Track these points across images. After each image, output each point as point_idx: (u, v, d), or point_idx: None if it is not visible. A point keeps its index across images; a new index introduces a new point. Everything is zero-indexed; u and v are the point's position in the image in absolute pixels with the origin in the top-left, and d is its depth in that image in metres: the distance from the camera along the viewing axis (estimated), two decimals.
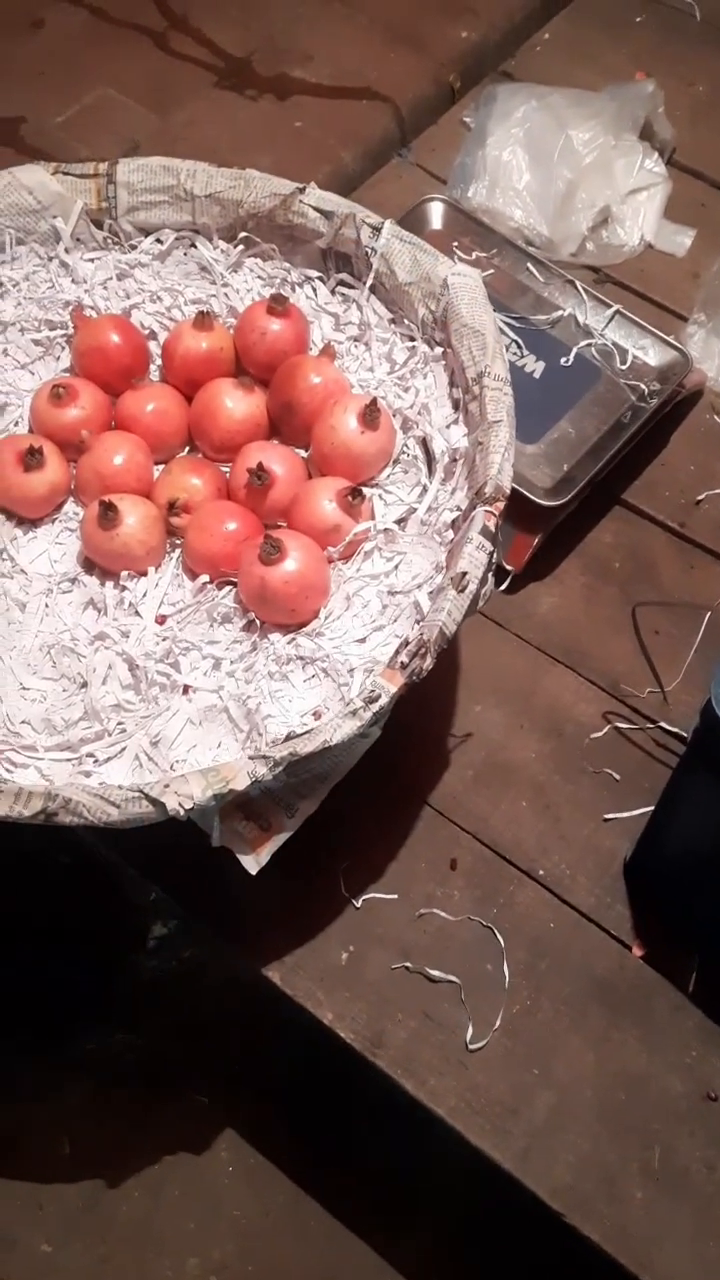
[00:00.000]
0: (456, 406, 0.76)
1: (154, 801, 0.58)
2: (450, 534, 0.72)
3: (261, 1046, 0.93)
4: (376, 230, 0.78)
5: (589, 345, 0.95)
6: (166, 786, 0.59)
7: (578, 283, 0.98)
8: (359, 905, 0.79)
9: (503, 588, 0.91)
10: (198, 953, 0.96)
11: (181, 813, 0.59)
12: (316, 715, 0.69)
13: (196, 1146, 0.94)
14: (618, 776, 0.85)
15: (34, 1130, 0.93)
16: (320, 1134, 0.94)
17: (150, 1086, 0.96)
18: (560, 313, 0.96)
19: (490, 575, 0.68)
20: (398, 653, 0.63)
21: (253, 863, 0.65)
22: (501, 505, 0.68)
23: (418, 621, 0.69)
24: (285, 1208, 0.92)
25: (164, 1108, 0.95)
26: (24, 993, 0.95)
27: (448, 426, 0.75)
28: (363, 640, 0.71)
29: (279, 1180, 0.93)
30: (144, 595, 0.75)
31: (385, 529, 0.73)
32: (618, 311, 0.96)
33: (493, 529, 0.67)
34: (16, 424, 0.81)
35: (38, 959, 0.95)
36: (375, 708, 0.62)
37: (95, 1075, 0.95)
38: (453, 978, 0.77)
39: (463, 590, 0.65)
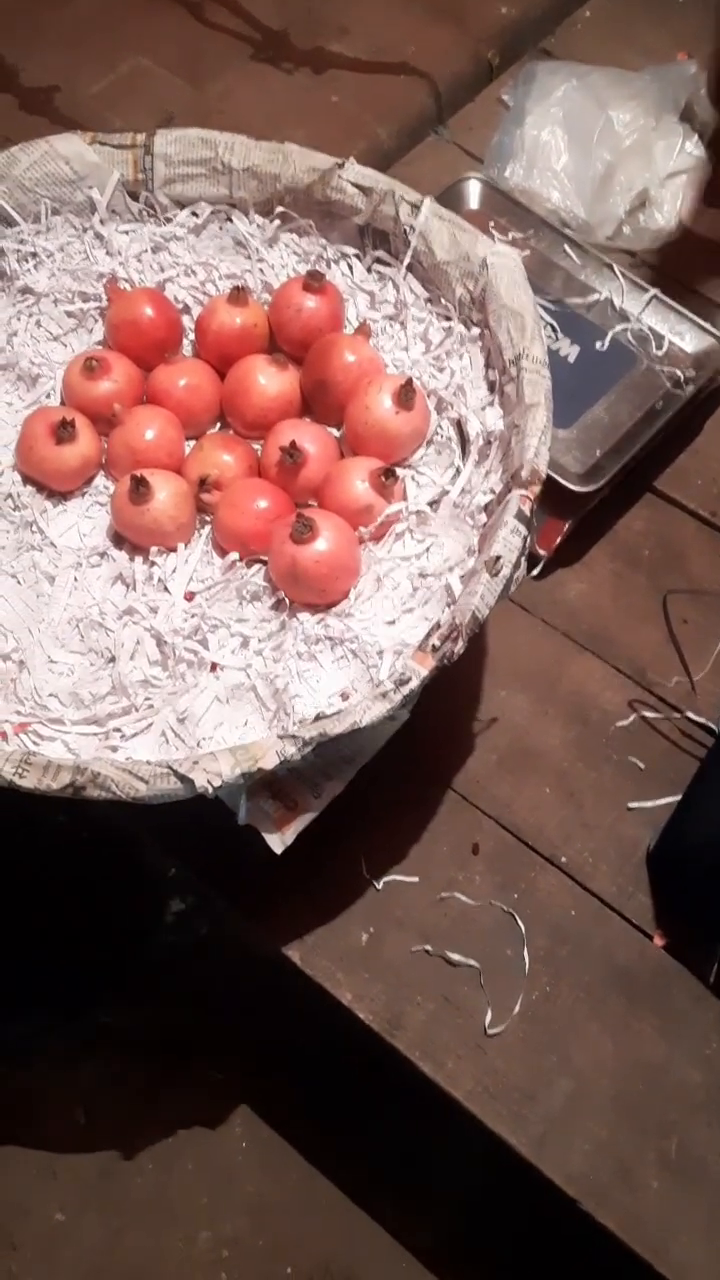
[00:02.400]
0: (492, 388, 0.75)
1: (182, 778, 0.58)
2: (483, 517, 0.72)
3: (278, 1023, 0.94)
4: (415, 208, 0.77)
5: (625, 330, 0.94)
6: (195, 763, 0.59)
7: (615, 266, 0.97)
8: (380, 887, 0.79)
9: (534, 573, 0.90)
10: (216, 928, 0.96)
11: (210, 790, 0.59)
12: (344, 696, 0.69)
13: (211, 1121, 0.95)
14: (642, 765, 0.85)
15: (50, 1100, 0.94)
16: (335, 1112, 0.95)
17: (166, 1060, 0.96)
18: (596, 296, 0.95)
19: (523, 560, 0.68)
20: (429, 635, 0.63)
21: (278, 841, 0.65)
22: (537, 489, 0.67)
23: (448, 605, 0.69)
24: (298, 1184, 0.92)
25: (179, 1081, 0.96)
26: (42, 964, 0.95)
27: (483, 408, 0.74)
28: (392, 622, 0.71)
29: (292, 1157, 0.93)
30: (173, 571, 0.75)
31: (417, 510, 0.73)
32: (655, 296, 0.95)
33: (528, 513, 0.66)
34: (49, 396, 0.81)
35: (56, 931, 0.95)
36: (406, 690, 0.61)
37: (112, 1047, 0.96)
38: (472, 962, 0.77)
39: (496, 574, 0.64)
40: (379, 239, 0.80)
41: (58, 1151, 0.93)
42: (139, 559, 0.75)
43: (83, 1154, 0.93)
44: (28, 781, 0.59)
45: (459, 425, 0.76)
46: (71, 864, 0.89)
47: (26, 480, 0.78)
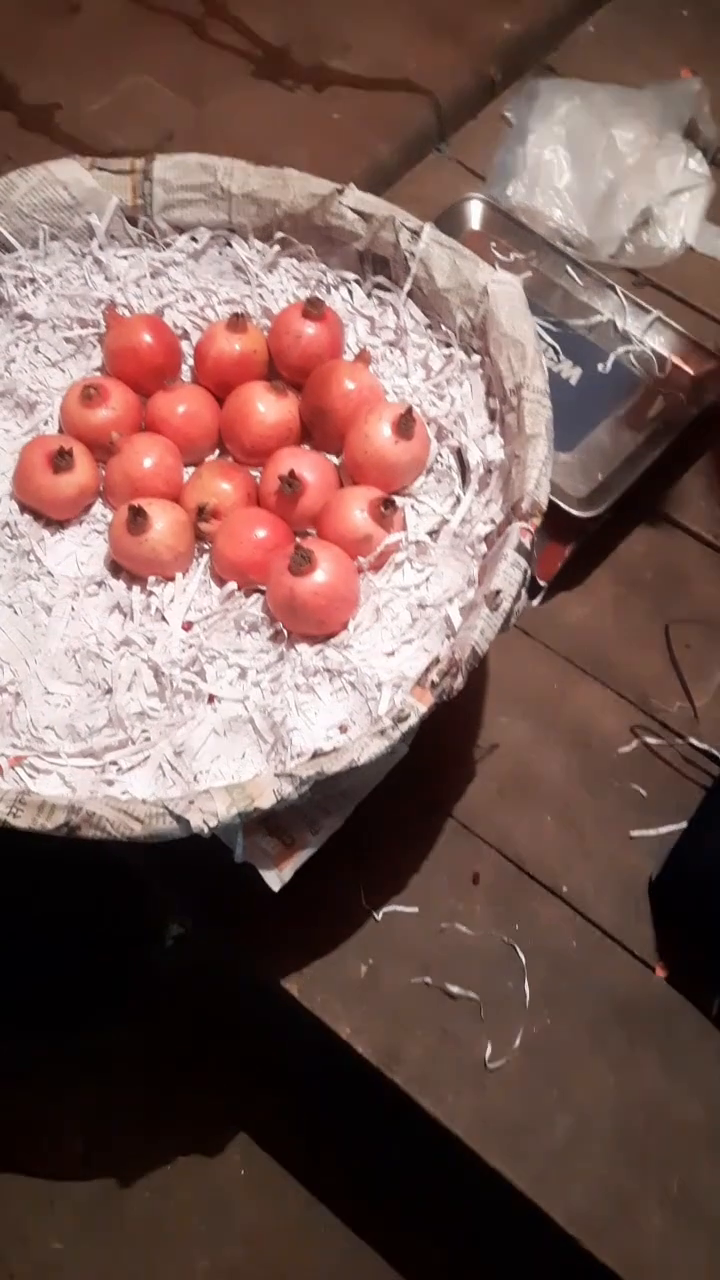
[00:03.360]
0: (493, 417, 0.74)
1: (178, 818, 0.58)
2: (483, 547, 0.71)
3: (278, 1050, 0.93)
4: (416, 234, 0.76)
5: (627, 352, 0.94)
6: (191, 803, 0.58)
7: (617, 287, 0.96)
8: (379, 918, 0.78)
9: (535, 602, 0.89)
10: (216, 953, 0.95)
11: (206, 830, 0.58)
12: (343, 729, 0.68)
13: (209, 1149, 0.94)
14: (645, 792, 0.84)
15: (47, 1126, 0.94)
16: (334, 1140, 0.94)
17: (165, 1086, 0.95)
18: (599, 318, 0.95)
19: (524, 592, 0.67)
20: (428, 670, 0.62)
21: (275, 879, 0.64)
22: (538, 522, 0.66)
23: (448, 636, 0.68)
24: (297, 1213, 0.92)
25: (177, 1108, 0.95)
26: (41, 987, 0.95)
27: (483, 437, 0.74)
28: (391, 654, 0.70)
29: (291, 1185, 0.93)
30: (171, 601, 0.74)
31: (417, 540, 0.72)
32: (658, 318, 0.95)
33: (528, 546, 0.66)
34: (46, 423, 0.80)
35: (55, 953, 0.94)
36: (404, 727, 0.61)
37: (110, 1073, 0.95)
38: (472, 994, 0.76)
39: (496, 608, 0.64)
40: (379, 264, 0.80)
41: (55, 1179, 0.92)
42: (137, 588, 0.75)
43: (80, 1182, 0.92)
44: (22, 821, 0.58)
45: (459, 454, 0.75)
46: (71, 888, 0.89)
47: (24, 508, 0.77)
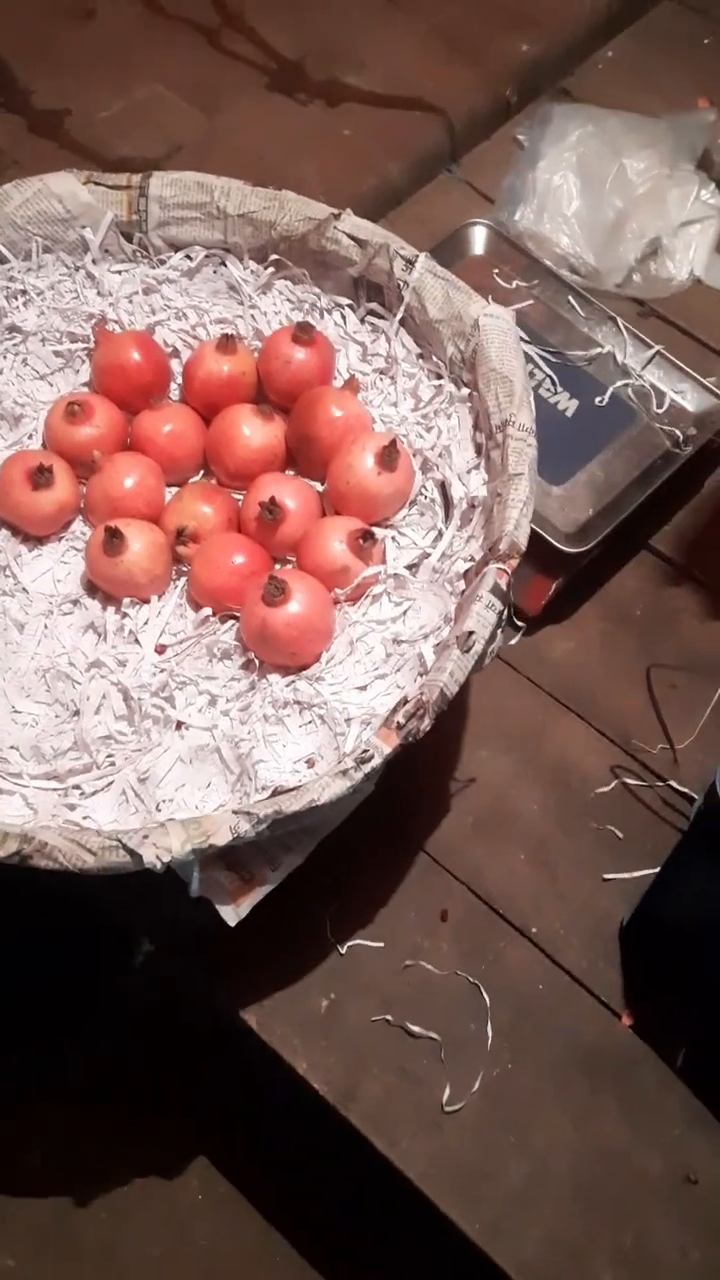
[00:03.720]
0: (479, 451, 0.73)
1: (131, 852, 0.57)
2: (461, 584, 0.70)
3: (240, 1076, 0.92)
4: (410, 263, 0.76)
5: (626, 385, 0.92)
6: (145, 837, 0.57)
7: (619, 320, 0.95)
8: (344, 951, 0.77)
9: (514, 641, 0.88)
10: (182, 976, 0.94)
11: (159, 865, 0.57)
12: (310, 763, 0.67)
13: (168, 1172, 0.93)
14: (621, 835, 0.83)
15: (5, 1142, 0.93)
16: (294, 1169, 0.93)
17: (126, 1107, 0.95)
18: (599, 350, 0.94)
19: (499, 633, 0.66)
20: (394, 711, 0.61)
21: (232, 914, 0.63)
22: (515, 563, 0.65)
23: (420, 674, 0.67)
24: (253, 1241, 0.91)
25: (139, 1129, 0.94)
26: (6, 1000, 0.94)
27: (468, 472, 0.73)
28: (363, 688, 0.69)
29: (248, 1212, 0.92)
30: (145, 623, 0.73)
31: (395, 574, 0.71)
32: (658, 353, 0.93)
33: (504, 587, 0.65)
34: (31, 436, 0.80)
35: (20, 969, 0.94)
36: (367, 769, 0.60)
37: (72, 1089, 0.94)
38: (433, 1034, 0.75)
39: (468, 650, 0.63)
40: (373, 291, 0.79)
41: (11, 1195, 0.91)
42: (111, 609, 0.74)
43: (36, 1199, 0.91)
44: None
45: (443, 487, 0.74)
46: (34, 907, 0.88)
47: (2, 523, 0.77)
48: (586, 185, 1.07)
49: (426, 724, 0.61)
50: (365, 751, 0.60)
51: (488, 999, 0.76)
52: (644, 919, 0.77)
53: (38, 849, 0.57)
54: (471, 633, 0.63)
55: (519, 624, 0.89)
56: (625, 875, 0.81)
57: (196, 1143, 0.94)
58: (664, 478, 0.90)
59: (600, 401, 0.92)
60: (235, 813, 0.58)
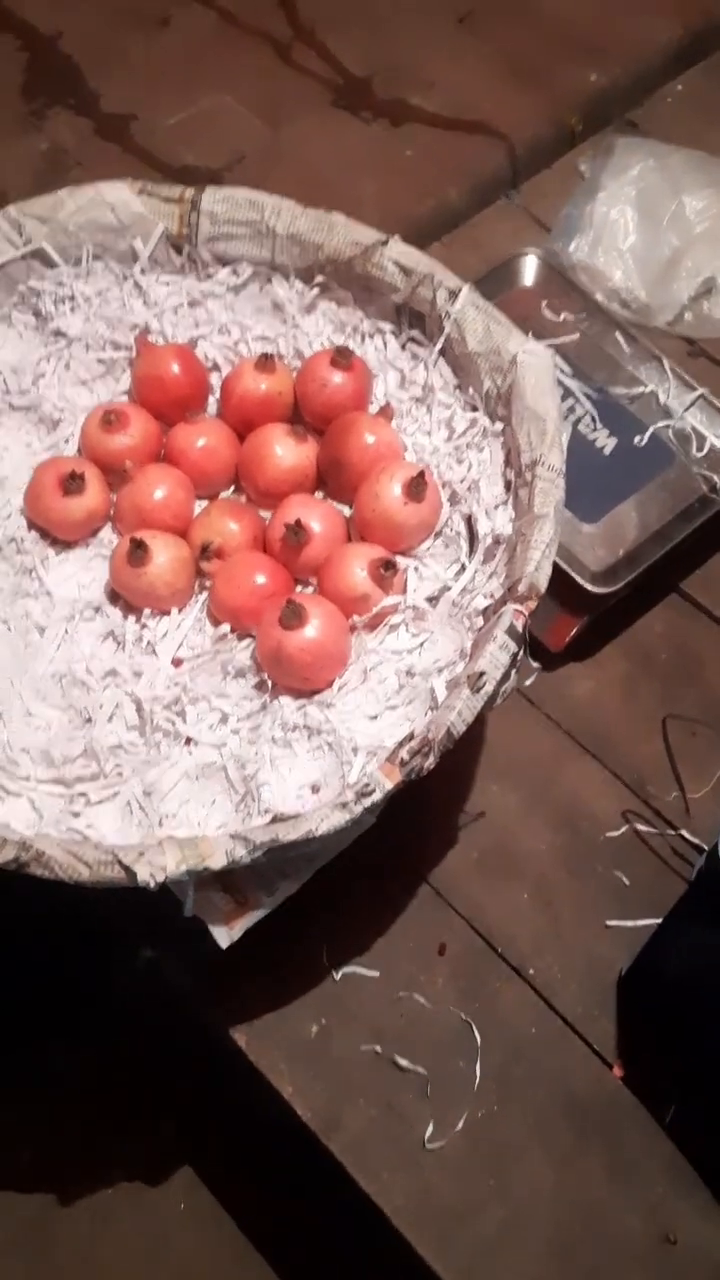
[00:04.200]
0: (508, 488, 0.73)
1: (126, 869, 0.57)
2: (480, 620, 0.70)
3: (228, 1092, 0.92)
4: (453, 294, 0.75)
5: (666, 427, 0.91)
6: (141, 855, 0.57)
7: (665, 360, 0.94)
8: (338, 978, 0.77)
9: (532, 679, 0.88)
10: (176, 988, 0.95)
11: (153, 884, 0.57)
12: (315, 790, 0.67)
13: (152, 1179, 0.93)
14: (627, 881, 0.82)
15: None
16: (276, 1187, 0.93)
17: (117, 1110, 0.95)
18: (642, 389, 0.93)
19: (514, 673, 0.66)
20: (399, 747, 0.61)
21: (224, 935, 0.64)
22: (534, 605, 0.65)
23: (431, 708, 0.67)
24: (231, 1256, 0.91)
25: (127, 1133, 0.95)
26: (3, 998, 0.95)
27: (496, 507, 0.72)
28: (374, 718, 0.69)
29: (228, 1226, 0.92)
30: (164, 635, 0.74)
31: (415, 605, 0.71)
32: (702, 396, 0.92)
33: (520, 629, 0.64)
34: (67, 441, 0.81)
35: (14, 971, 0.94)
36: (367, 802, 0.59)
37: (65, 1093, 0.95)
38: (421, 1069, 0.74)
39: (478, 690, 0.62)
40: (415, 319, 0.79)
41: None
42: (132, 618, 0.74)
43: (22, 1195, 0.92)
44: None
45: (470, 521, 0.74)
46: (29, 910, 0.88)
47: (32, 526, 0.77)
48: (644, 220, 1.06)
49: (431, 762, 0.61)
50: (367, 785, 0.60)
51: (479, 1038, 0.76)
52: (643, 970, 0.76)
53: (35, 857, 0.57)
54: (483, 673, 0.62)
55: (534, 663, 0.88)
56: (628, 923, 0.80)
57: (182, 1153, 0.94)
58: (699, 522, 0.89)
59: (639, 441, 0.91)
60: (232, 837, 0.58)
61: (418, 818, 0.81)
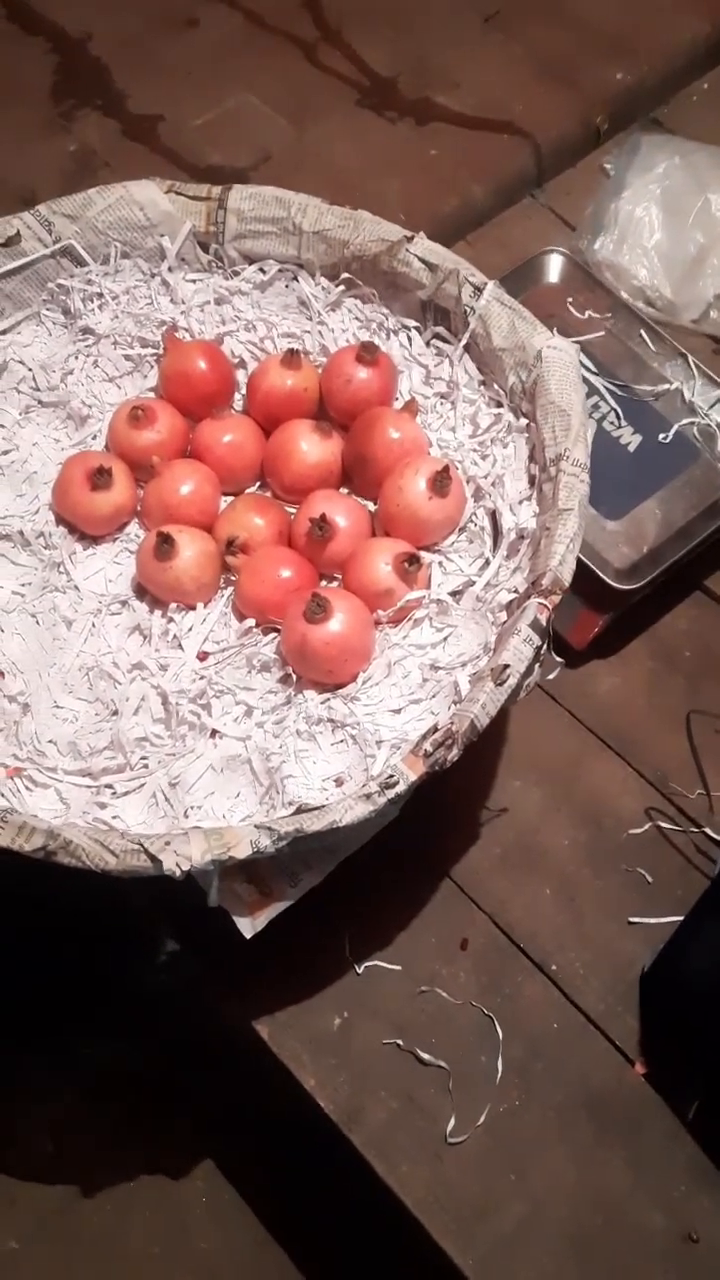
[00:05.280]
0: (532, 483, 0.73)
1: (152, 858, 0.58)
2: (504, 615, 0.70)
3: (251, 1083, 0.92)
4: (478, 290, 0.76)
5: (691, 424, 0.91)
6: (167, 844, 0.58)
7: (690, 357, 0.94)
8: (360, 971, 0.77)
9: (556, 674, 0.87)
10: (199, 980, 0.95)
11: (178, 873, 0.58)
12: (339, 782, 0.67)
13: (174, 1171, 0.94)
14: (650, 879, 0.81)
15: (19, 1126, 0.94)
16: (297, 1180, 0.93)
17: (139, 1102, 0.96)
18: (666, 386, 0.92)
19: (536, 667, 0.66)
20: (423, 739, 0.61)
21: (248, 925, 0.64)
22: (557, 599, 0.65)
23: (455, 702, 0.67)
24: (251, 1249, 0.91)
25: (150, 1126, 0.95)
26: (31, 990, 0.96)
27: (520, 502, 0.73)
28: (397, 711, 0.69)
29: (249, 1220, 0.92)
30: (189, 629, 0.74)
31: (438, 600, 0.71)
32: None
33: (544, 623, 0.64)
34: (95, 437, 0.81)
35: (40, 962, 0.95)
36: (391, 794, 0.60)
37: (91, 1082, 0.95)
38: (443, 1063, 0.75)
39: (501, 684, 0.62)
40: (440, 315, 0.79)
41: (21, 1179, 0.93)
42: (158, 612, 0.75)
43: (45, 1185, 0.93)
44: (1, 839, 0.59)
45: (494, 516, 0.74)
46: (54, 903, 0.89)
47: (60, 520, 0.78)
48: (669, 218, 1.06)
49: (454, 754, 0.61)
50: (390, 777, 0.60)
51: (501, 1033, 0.76)
52: (665, 967, 0.76)
53: (62, 846, 0.58)
54: (506, 666, 0.63)
55: (558, 659, 0.88)
56: (651, 920, 0.80)
57: (203, 1145, 0.94)
58: None
59: (664, 438, 0.91)
60: (257, 827, 0.59)
61: (441, 813, 0.82)
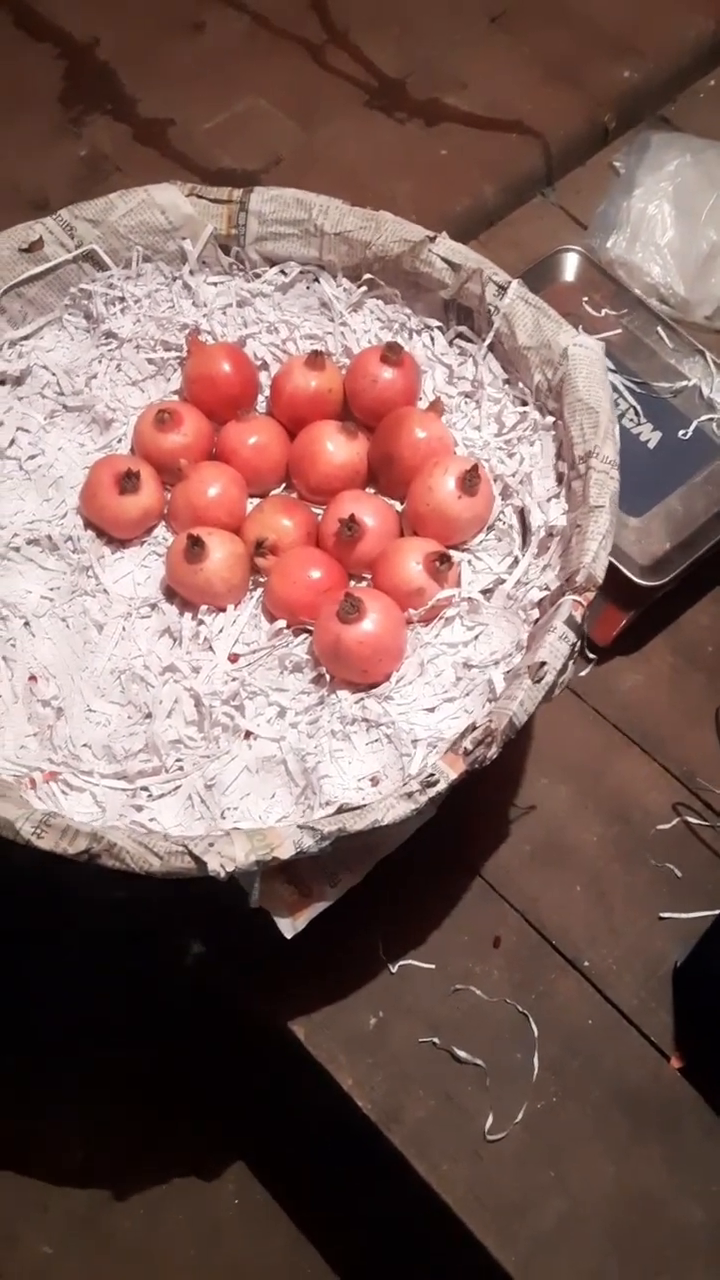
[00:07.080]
0: (560, 481, 0.73)
1: (197, 859, 0.58)
2: (535, 613, 0.70)
3: (283, 1086, 0.92)
4: (502, 289, 0.76)
5: (710, 420, 0.91)
6: (211, 845, 0.58)
7: (707, 353, 0.94)
8: (394, 970, 0.78)
9: (584, 672, 0.88)
10: (234, 982, 0.95)
11: (223, 874, 0.58)
12: (374, 782, 0.67)
13: (206, 1174, 0.94)
14: (680, 873, 0.82)
15: (50, 1131, 0.94)
16: (330, 1181, 0.93)
17: (169, 1105, 0.95)
18: (685, 383, 0.93)
19: (571, 664, 0.66)
20: (462, 737, 0.62)
21: (289, 926, 0.64)
22: (591, 595, 0.65)
23: (489, 700, 0.67)
24: (283, 1250, 0.91)
25: (180, 1129, 0.95)
26: (59, 994, 0.95)
27: (548, 500, 0.73)
28: (431, 710, 0.69)
29: (282, 1222, 0.92)
30: (220, 632, 0.74)
31: (469, 598, 0.71)
32: None
33: (579, 619, 0.64)
34: (120, 441, 0.81)
35: (75, 964, 0.95)
36: (432, 793, 0.60)
37: (117, 1088, 0.95)
38: (479, 1061, 0.75)
39: (539, 680, 0.62)
40: (463, 315, 0.79)
41: (53, 1184, 0.93)
42: (188, 615, 0.75)
43: (77, 1190, 0.92)
44: (45, 843, 0.59)
45: (522, 514, 0.74)
46: (86, 907, 0.89)
47: (88, 525, 0.78)
48: (681, 215, 1.06)
49: (494, 752, 0.61)
50: (431, 775, 0.60)
51: (536, 1030, 0.76)
52: (698, 962, 0.76)
53: (106, 849, 0.58)
54: (544, 663, 0.63)
55: (590, 655, 0.89)
56: (682, 915, 0.80)
57: (235, 1148, 0.94)
58: None
59: (683, 435, 0.91)
60: (300, 827, 0.59)
61: (470, 812, 0.82)
